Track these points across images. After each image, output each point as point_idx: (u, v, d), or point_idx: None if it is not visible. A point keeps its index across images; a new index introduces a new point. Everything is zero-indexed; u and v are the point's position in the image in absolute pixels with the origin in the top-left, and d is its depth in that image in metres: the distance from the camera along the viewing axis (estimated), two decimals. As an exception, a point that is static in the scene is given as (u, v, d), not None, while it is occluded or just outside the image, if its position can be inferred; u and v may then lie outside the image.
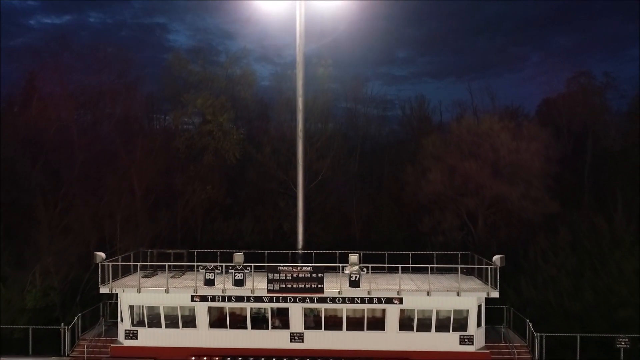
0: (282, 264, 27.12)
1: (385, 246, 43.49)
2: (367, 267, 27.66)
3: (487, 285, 27.53)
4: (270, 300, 26.76)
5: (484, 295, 26.86)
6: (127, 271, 30.19)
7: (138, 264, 29.13)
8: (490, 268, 27.09)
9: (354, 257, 26.88)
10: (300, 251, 32.86)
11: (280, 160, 41.08)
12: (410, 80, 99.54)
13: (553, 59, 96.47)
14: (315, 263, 32.43)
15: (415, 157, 44.60)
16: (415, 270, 31.62)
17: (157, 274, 30.68)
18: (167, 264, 28.60)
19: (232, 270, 26.74)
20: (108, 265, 27.71)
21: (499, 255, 26.89)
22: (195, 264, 29.67)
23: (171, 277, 29.34)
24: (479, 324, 27.43)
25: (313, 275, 26.26)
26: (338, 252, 31.81)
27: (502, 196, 37.27)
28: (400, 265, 28.30)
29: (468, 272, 31.46)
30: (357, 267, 26.52)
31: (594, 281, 33.12)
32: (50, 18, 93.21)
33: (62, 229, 38.92)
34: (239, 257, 26.93)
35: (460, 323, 27.05)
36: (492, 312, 30.72)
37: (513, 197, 36.68)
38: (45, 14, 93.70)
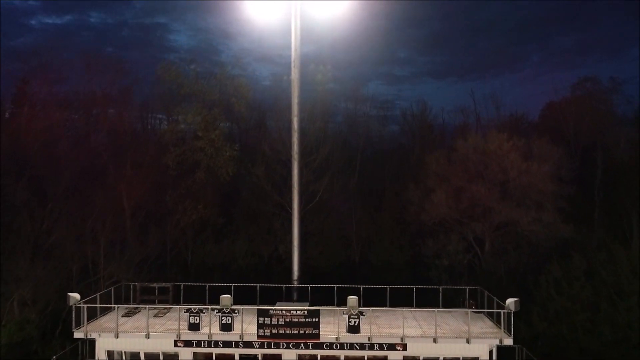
0: (273, 307, 24.72)
1: (387, 270, 41.45)
2: (368, 310, 25.17)
3: (500, 328, 25.15)
4: (261, 345, 24.37)
5: (496, 342, 24.45)
6: (108, 304, 27.95)
7: (116, 306, 26.61)
8: (504, 312, 24.66)
9: (353, 300, 24.45)
10: (295, 285, 30.44)
11: (275, 180, 38.62)
12: (410, 80, 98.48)
13: (554, 58, 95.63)
14: (311, 295, 30.32)
15: (418, 174, 42.28)
16: (420, 305, 29.35)
17: (139, 312, 28.29)
18: (147, 306, 26.18)
19: (219, 314, 24.32)
20: (83, 307, 25.31)
21: (513, 299, 24.46)
22: (180, 306, 27.10)
23: (154, 316, 26.98)
24: (490, 371, 25.07)
25: (308, 319, 23.85)
26: (336, 286, 29.48)
27: (512, 220, 34.83)
28: (403, 309, 25.83)
29: (477, 306, 29.16)
30: (356, 311, 24.09)
31: (612, 315, 30.77)
32: (51, 18, 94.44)
33: (43, 254, 36.64)
34: (226, 299, 24.51)
35: (469, 371, 24.69)
36: (501, 350, 28.37)
37: (523, 221, 34.25)
38: (46, 14, 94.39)
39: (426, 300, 30.49)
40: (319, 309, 24.35)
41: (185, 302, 30.35)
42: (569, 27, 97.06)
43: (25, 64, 52.87)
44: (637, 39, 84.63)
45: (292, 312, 24.00)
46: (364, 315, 24.33)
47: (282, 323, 23.89)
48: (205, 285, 30.02)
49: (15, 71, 51.98)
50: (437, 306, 29.43)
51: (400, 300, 30.05)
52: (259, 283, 34.73)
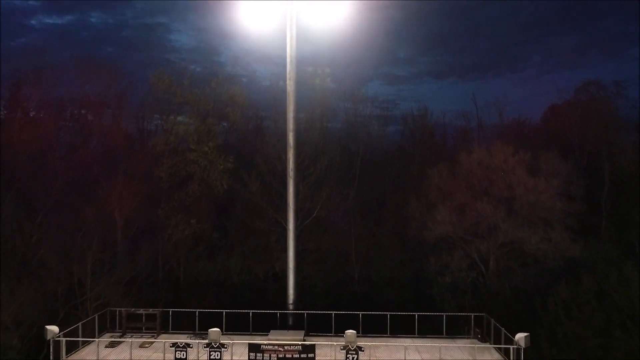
0: (265, 342, 23.07)
1: (387, 287, 39.82)
2: (367, 344, 23.53)
3: (508, 362, 23.53)
4: (253, 382, 22.76)
5: (505, 379, 22.84)
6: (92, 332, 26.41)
7: (97, 340, 24.98)
8: (513, 348, 23.01)
9: (351, 335, 22.78)
10: (290, 311, 28.78)
11: (271, 196, 36.92)
12: (411, 80, 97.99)
13: (555, 58, 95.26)
14: (307, 321, 28.65)
15: (420, 187, 40.59)
16: (422, 332, 27.75)
17: (124, 342, 26.63)
18: (131, 339, 24.52)
19: (207, 348, 22.69)
20: (62, 341, 23.69)
21: (523, 335, 22.83)
22: (165, 340, 25.44)
23: (139, 347, 25.36)
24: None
25: (303, 355, 22.23)
26: (333, 312, 27.85)
27: (518, 239, 33.16)
28: (405, 341, 24.17)
29: (484, 335, 27.59)
30: (354, 346, 22.45)
31: (626, 342, 29.09)
32: (51, 18, 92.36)
33: (30, 271, 35.07)
34: (215, 333, 22.86)
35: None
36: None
37: (531, 241, 32.58)
38: (47, 14, 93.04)
39: (429, 325, 28.97)
40: (314, 344, 22.72)
41: (174, 328, 28.84)
42: (570, 27, 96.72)
43: (17, 69, 51.37)
44: (637, 39, 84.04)
45: (285, 348, 22.39)
46: (363, 351, 22.69)
47: (275, 359, 22.27)
48: (195, 312, 28.34)
49: (9, 75, 50.62)
50: (441, 333, 27.87)
51: (402, 326, 28.54)
52: (254, 302, 33.27)
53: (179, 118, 43.98)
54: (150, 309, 28.47)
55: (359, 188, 52.44)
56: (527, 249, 34.88)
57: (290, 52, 30.36)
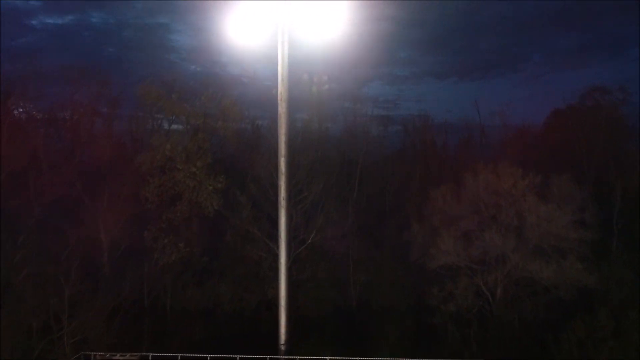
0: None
1: (388, 314, 37.41)
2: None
3: None
4: None
5: None
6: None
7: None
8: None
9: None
10: (280, 357, 26.34)
11: (262, 222, 34.50)
12: (412, 80, 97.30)
13: (555, 59, 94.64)
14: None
15: (422, 208, 38.19)
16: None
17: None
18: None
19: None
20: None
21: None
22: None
23: (115, 400, 23.03)
24: None
25: (292, 418, 19.82)
26: (328, 358, 25.48)
27: (529, 270, 30.76)
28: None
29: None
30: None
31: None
32: (52, 18, 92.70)
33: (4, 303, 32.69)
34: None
35: None
36: None
37: (542, 273, 30.15)
38: (48, 14, 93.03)
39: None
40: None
41: (155, 375, 26.47)
42: (571, 27, 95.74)
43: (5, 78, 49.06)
44: (637, 39, 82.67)
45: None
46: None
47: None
48: (177, 357, 25.94)
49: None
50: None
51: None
52: (245, 333, 31.10)
53: (168, 134, 41.70)
54: (128, 354, 26.08)
55: (357, 202, 50.20)
56: (537, 277, 32.48)
57: (282, 71, 27.84)
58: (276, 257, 31.61)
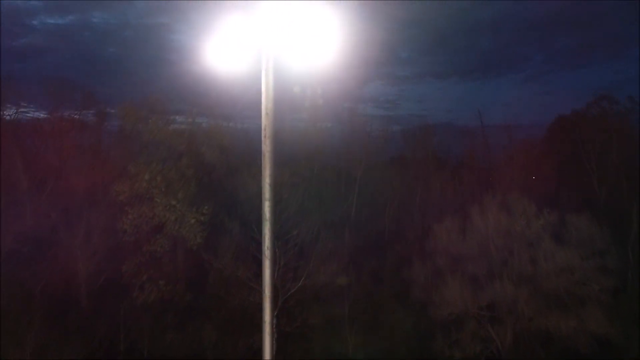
0: None
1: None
2: None
3: None
4: None
5: None
6: None
7: None
8: None
9: None
10: None
11: (248, 264, 31.22)
12: (412, 80, 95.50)
13: (556, 58, 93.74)
14: None
15: (424, 247, 34.97)
16: None
17: None
18: None
19: None
20: None
21: None
22: None
23: None
24: None
25: None
26: None
27: (543, 322, 27.47)
28: None
29: None
30: None
31: None
32: (53, 18, 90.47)
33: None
34: None
35: None
36: None
37: (561, 326, 26.86)
38: (49, 14, 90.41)
39: None
40: None
41: None
42: (571, 27, 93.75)
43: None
44: (638, 39, 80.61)
45: None
46: None
47: None
48: None
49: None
50: None
51: None
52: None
53: (148, 159, 38.41)
54: None
55: (354, 224, 47.16)
56: (553, 329, 29.18)
57: (266, 103, 24.39)
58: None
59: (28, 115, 51.33)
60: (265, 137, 24.10)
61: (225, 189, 39.18)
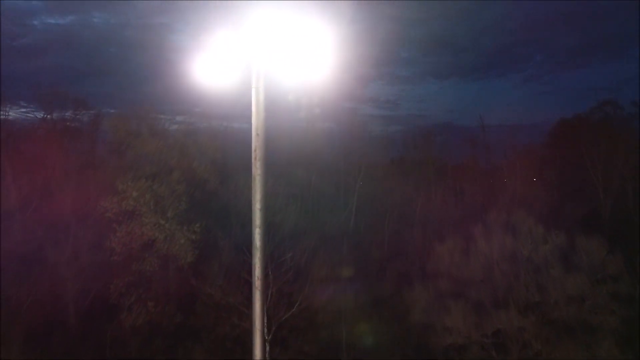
0: None
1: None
2: None
3: None
4: None
5: None
6: None
7: None
8: None
9: None
10: None
11: (240, 288, 29.69)
12: (413, 80, 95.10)
13: (557, 58, 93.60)
14: None
15: (425, 265, 33.48)
16: None
17: None
18: None
19: None
20: None
21: None
22: None
23: None
24: None
25: None
26: None
27: (552, 357, 25.91)
28: None
29: None
30: None
31: None
32: (53, 18, 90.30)
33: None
34: None
35: None
36: None
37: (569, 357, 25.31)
38: (49, 14, 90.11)
39: None
40: None
41: None
42: (572, 27, 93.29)
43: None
44: (637, 39, 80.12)
45: None
46: None
47: None
48: None
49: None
50: None
51: None
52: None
53: (137, 175, 36.88)
54: None
55: (353, 235, 45.74)
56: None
57: (256, 123, 22.89)
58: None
59: (20, 118, 50.13)
60: (255, 159, 21.79)
61: (219, 202, 37.70)
